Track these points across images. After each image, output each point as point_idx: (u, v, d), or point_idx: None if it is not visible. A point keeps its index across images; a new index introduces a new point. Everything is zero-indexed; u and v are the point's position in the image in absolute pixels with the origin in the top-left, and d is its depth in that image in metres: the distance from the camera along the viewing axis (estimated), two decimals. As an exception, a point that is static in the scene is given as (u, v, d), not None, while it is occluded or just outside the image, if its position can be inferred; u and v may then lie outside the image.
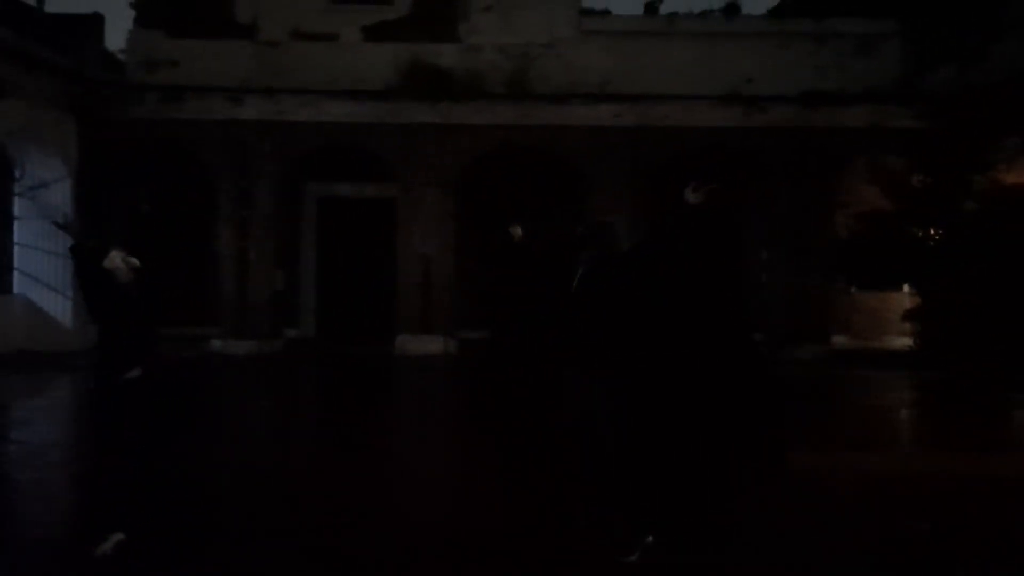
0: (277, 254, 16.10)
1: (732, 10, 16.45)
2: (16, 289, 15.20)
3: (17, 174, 14.99)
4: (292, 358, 15.24)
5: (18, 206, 15.13)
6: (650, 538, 4.74)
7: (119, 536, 4.83)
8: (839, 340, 16.38)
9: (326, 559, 4.85)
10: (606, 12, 16.92)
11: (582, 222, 5.11)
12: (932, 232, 14.83)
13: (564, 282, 5.00)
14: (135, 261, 5.15)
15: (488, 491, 6.32)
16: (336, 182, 17.66)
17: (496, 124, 15.46)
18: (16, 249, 15.19)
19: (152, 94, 15.37)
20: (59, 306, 15.27)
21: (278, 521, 5.51)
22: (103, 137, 15.33)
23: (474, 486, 6.57)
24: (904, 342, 15.56)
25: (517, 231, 5.69)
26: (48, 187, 15.05)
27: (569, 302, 4.90)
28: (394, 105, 15.39)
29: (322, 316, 17.82)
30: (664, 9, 16.64)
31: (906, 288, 16.70)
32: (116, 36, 33.49)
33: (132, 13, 16.51)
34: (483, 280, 17.57)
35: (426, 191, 15.66)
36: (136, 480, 5.02)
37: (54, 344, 14.69)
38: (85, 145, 15.28)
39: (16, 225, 15.18)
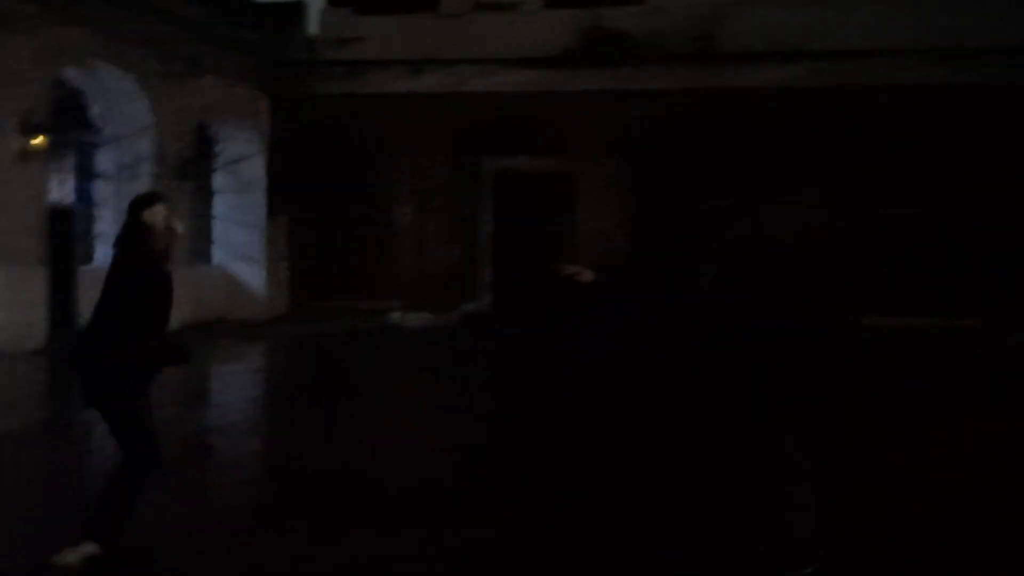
0: (453, 227, 16.12)
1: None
2: (215, 260, 16.10)
3: (216, 150, 15.83)
4: (464, 331, 15.21)
5: (217, 180, 16.00)
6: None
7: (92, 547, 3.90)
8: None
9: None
10: (801, -36, 15.63)
11: (686, 209, 4.20)
12: None
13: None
14: (179, 228, 4.19)
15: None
16: (513, 155, 17.41)
17: (678, 89, 14.65)
18: (214, 222, 16.09)
19: (338, 70, 15.76)
20: (253, 276, 16.04)
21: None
22: (292, 113, 15.91)
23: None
24: None
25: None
26: (244, 162, 15.82)
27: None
28: (572, 72, 14.94)
29: (498, 290, 17.70)
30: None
31: None
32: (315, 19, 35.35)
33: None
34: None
35: (603, 162, 15.13)
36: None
37: (248, 313, 15.43)
38: (277, 121, 15.93)
39: (215, 199, 16.07)
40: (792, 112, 14.20)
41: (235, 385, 10.02)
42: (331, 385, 9.78)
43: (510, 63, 15.10)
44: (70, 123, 12.85)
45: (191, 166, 14.15)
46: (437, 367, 11.72)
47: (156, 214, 3.97)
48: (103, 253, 13.52)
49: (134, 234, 3.97)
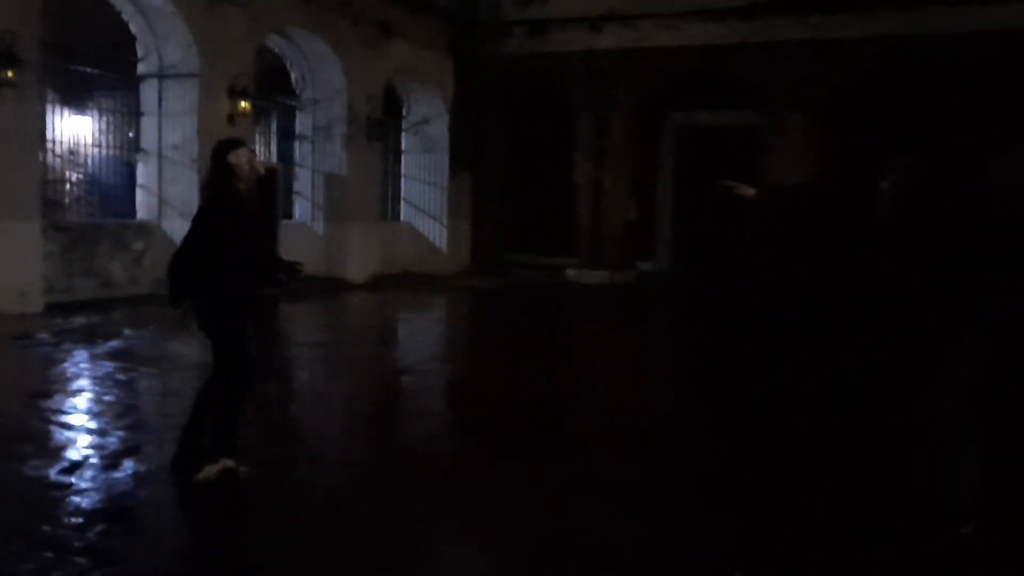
0: (631, 185, 15.96)
1: None
2: (403, 217, 16.88)
3: (404, 111, 16.48)
4: (640, 289, 15.12)
5: (405, 141, 16.68)
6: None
7: (227, 462, 4.29)
8: None
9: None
10: None
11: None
12: None
13: None
14: (262, 168, 4.38)
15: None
16: (695, 110, 16.93)
17: (878, 36, 13.60)
18: (403, 181, 16.82)
19: (519, 29, 15.89)
20: (436, 233, 16.69)
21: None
22: (475, 74, 16.26)
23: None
24: None
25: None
26: (429, 122, 16.39)
27: None
28: (758, 23, 14.22)
29: (677, 249, 17.41)
30: None
31: None
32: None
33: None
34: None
35: (791, 117, 14.36)
36: None
37: (433, 266, 16.11)
38: (460, 82, 16.35)
39: (403, 159, 16.78)
40: (1010, 60, 12.82)
41: (424, 330, 11.12)
42: (508, 334, 10.57)
43: (694, 16, 14.62)
44: (272, 88, 13.80)
45: (380, 127, 14.82)
46: (608, 321, 12.01)
47: (240, 156, 4.17)
48: (302, 208, 14.53)
49: (220, 175, 4.20)
